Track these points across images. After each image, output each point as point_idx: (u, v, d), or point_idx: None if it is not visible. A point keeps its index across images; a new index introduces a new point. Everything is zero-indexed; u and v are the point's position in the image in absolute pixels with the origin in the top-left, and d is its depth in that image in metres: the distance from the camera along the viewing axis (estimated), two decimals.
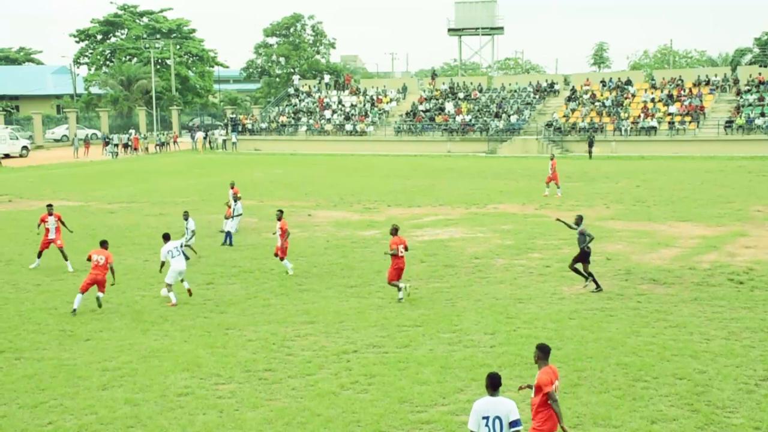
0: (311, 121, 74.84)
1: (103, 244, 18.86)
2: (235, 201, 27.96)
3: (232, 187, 29.57)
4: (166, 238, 19.70)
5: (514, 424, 8.89)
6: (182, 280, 19.31)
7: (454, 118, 69.73)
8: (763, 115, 59.28)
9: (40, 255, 23.43)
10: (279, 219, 22.22)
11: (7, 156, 65.83)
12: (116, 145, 71.09)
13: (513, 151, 62.65)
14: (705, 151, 57.70)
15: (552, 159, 38.40)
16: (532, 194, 38.08)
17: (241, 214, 28.42)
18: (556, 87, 72.69)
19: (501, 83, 76.61)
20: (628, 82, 69.23)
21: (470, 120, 68.83)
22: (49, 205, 24.21)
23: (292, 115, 77.26)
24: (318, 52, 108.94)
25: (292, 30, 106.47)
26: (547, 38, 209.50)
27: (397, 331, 16.35)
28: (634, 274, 21.20)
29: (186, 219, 24.77)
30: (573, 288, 19.85)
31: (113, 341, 16.05)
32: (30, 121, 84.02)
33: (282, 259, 22.16)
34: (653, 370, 13.71)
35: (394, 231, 19.64)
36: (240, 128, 76.69)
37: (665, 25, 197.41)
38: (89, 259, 18.57)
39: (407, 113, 72.62)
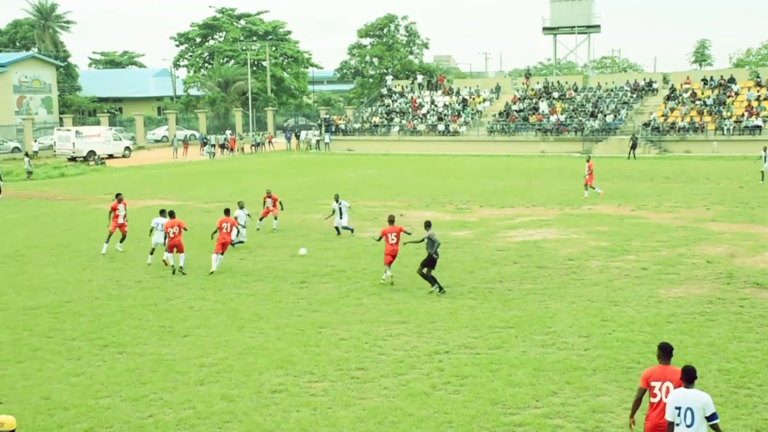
0: (404, 122, 75.05)
1: (171, 214, 23.40)
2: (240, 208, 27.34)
3: (269, 195, 29.83)
4: (162, 213, 23.86)
5: (711, 417, 9.01)
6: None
7: (548, 117, 68.85)
8: None
9: (108, 239, 25.96)
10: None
11: (111, 156, 68.14)
12: (213, 146, 72.74)
13: (609, 151, 61.44)
14: None
15: (588, 161, 37.70)
16: (628, 195, 37.28)
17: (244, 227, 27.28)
18: (655, 86, 70.96)
19: (597, 82, 75.26)
20: (731, 80, 67.07)
21: (565, 120, 67.84)
22: (119, 194, 26.87)
23: (385, 115, 77.62)
24: (411, 53, 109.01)
25: (385, 31, 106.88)
26: (645, 36, 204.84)
27: (490, 332, 16.25)
28: (736, 278, 20.51)
29: (241, 207, 27.13)
30: (671, 291, 19.35)
31: (210, 338, 16.44)
32: (132, 122, 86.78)
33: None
34: (757, 377, 13.25)
35: (390, 220, 21.64)
36: (333, 129, 77.49)
37: None
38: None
39: (500, 113, 72.06)
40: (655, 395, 9.58)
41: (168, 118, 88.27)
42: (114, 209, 26.23)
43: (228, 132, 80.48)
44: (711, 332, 15.90)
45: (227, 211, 24.02)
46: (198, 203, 38.04)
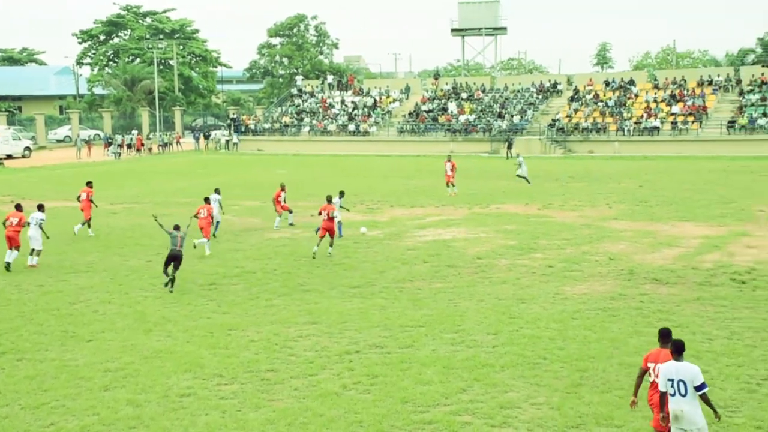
0: (314, 122, 74.89)
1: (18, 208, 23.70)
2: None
3: (283, 189, 30.04)
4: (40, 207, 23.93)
5: (699, 387, 9.61)
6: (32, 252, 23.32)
7: (457, 118, 69.74)
8: (765, 115, 59.20)
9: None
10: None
11: (9, 157, 65.89)
12: (119, 146, 71.16)
13: (516, 152, 62.49)
14: (708, 151, 57.63)
15: (449, 160, 39.47)
16: (534, 194, 38.06)
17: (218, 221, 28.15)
18: (559, 87, 72.69)
19: (504, 83, 76.64)
20: (631, 83, 69.19)
21: (473, 120, 68.82)
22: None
23: (295, 115, 77.30)
24: (321, 53, 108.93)
25: (295, 30, 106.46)
26: (550, 39, 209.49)
27: (400, 332, 16.35)
28: (636, 274, 21.17)
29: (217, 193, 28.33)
30: (576, 288, 19.85)
31: (115, 342, 16.07)
32: (32, 121, 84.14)
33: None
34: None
35: (328, 199, 24.49)
36: (243, 129, 76.73)
37: (667, 26, 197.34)
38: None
39: (410, 113, 72.65)
40: (651, 375, 10.32)
41: (71, 118, 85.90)
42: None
43: (134, 132, 78.84)
44: (613, 327, 16.37)
45: (207, 200, 26.10)
46: (104, 204, 37.13)
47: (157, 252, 24.95)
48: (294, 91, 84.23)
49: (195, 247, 24.57)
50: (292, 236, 28.08)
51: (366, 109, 75.36)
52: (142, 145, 74.14)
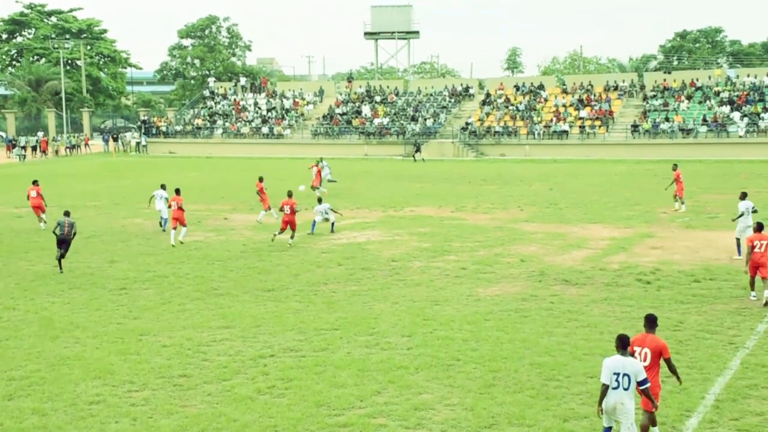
0: (227, 124, 74.08)
1: None
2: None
3: (261, 180, 32.23)
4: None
5: (642, 383, 10.23)
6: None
7: (371, 121, 69.98)
8: (667, 119, 61.21)
9: None
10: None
11: None
12: (23, 148, 69.00)
13: (429, 155, 63.17)
14: (614, 154, 59.27)
15: (316, 165, 40.05)
16: (448, 197, 38.47)
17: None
18: (471, 91, 73.66)
19: (417, 87, 77.25)
20: (541, 87, 70.63)
21: (387, 123, 69.16)
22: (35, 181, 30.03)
23: (208, 117, 76.32)
24: (234, 55, 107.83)
25: (207, 32, 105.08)
26: (462, 43, 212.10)
27: (315, 335, 16.31)
28: (547, 276, 21.61)
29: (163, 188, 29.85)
30: (488, 290, 20.14)
31: (20, 349, 15.57)
32: None
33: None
34: (566, 369, 14.00)
35: (289, 194, 26.69)
36: (154, 131, 75.35)
37: (575, 31, 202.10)
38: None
39: (324, 116, 72.56)
40: (638, 358, 10.79)
41: None
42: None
43: (40, 133, 76.58)
44: (525, 328, 16.67)
45: (178, 191, 27.24)
46: (7, 208, 35.96)
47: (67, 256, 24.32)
48: (206, 93, 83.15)
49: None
50: (205, 239, 27.73)
51: (280, 112, 74.94)
52: (48, 147, 72.04)
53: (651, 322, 11.21)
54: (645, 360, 10.80)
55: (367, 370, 14.13)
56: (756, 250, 18.07)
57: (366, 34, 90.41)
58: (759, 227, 18.66)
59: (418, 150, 61.54)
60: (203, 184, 45.72)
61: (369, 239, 27.58)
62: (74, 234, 22.98)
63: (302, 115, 74.19)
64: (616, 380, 10.21)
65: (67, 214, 23.01)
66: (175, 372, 14.13)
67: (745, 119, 58.72)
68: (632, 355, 10.73)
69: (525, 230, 28.86)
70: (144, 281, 21.46)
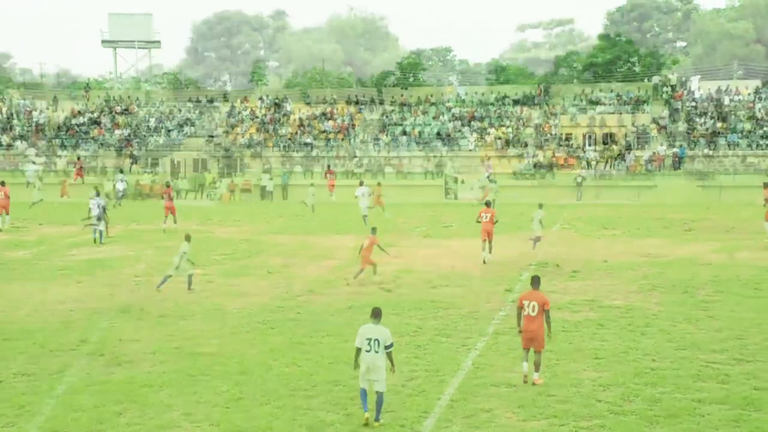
0: None
1: None
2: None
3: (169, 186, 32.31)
4: None
5: (388, 347, 12.03)
6: None
7: (112, 132, 67.21)
8: (405, 133, 64.07)
9: None
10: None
11: None
12: None
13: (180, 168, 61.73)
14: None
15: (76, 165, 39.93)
16: (192, 211, 37.80)
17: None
18: (217, 103, 72.87)
19: (161, 98, 75.24)
20: (285, 100, 71.34)
21: (129, 135, 66.74)
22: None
23: None
24: None
25: None
26: (207, 54, 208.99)
27: (51, 357, 15.37)
28: (294, 286, 21.84)
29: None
30: (236, 302, 20.01)
31: None
32: None
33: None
34: (312, 378, 14.19)
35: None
36: None
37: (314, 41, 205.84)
38: None
39: (59, 126, 68.67)
40: (525, 310, 13.37)
41: None
42: None
43: None
44: (273, 340, 16.71)
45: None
46: None
47: None
48: None
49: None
50: None
51: (7, 123, 69.95)
52: None
53: (536, 280, 13.68)
54: (533, 311, 13.25)
55: (107, 391, 13.52)
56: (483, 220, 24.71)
57: (104, 42, 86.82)
58: (487, 204, 26.25)
59: (134, 162, 61.56)
60: None
61: (111, 255, 26.44)
62: None
63: (37, 124, 69.69)
64: (368, 344, 11.87)
65: None
66: None
67: (474, 134, 62.79)
68: (521, 308, 13.36)
69: (273, 242, 29.02)
70: None
